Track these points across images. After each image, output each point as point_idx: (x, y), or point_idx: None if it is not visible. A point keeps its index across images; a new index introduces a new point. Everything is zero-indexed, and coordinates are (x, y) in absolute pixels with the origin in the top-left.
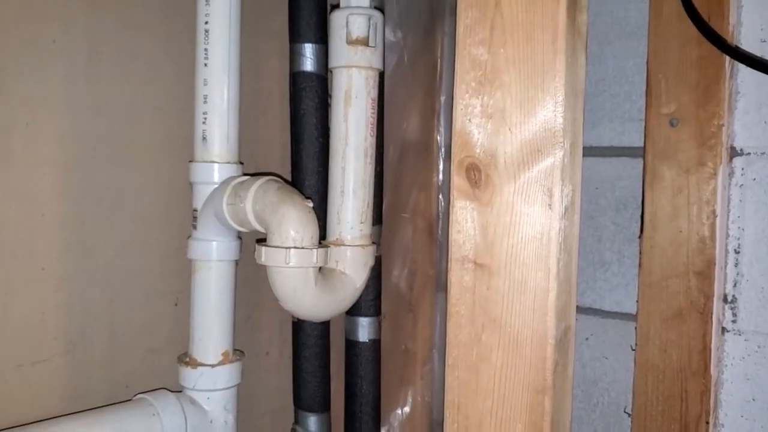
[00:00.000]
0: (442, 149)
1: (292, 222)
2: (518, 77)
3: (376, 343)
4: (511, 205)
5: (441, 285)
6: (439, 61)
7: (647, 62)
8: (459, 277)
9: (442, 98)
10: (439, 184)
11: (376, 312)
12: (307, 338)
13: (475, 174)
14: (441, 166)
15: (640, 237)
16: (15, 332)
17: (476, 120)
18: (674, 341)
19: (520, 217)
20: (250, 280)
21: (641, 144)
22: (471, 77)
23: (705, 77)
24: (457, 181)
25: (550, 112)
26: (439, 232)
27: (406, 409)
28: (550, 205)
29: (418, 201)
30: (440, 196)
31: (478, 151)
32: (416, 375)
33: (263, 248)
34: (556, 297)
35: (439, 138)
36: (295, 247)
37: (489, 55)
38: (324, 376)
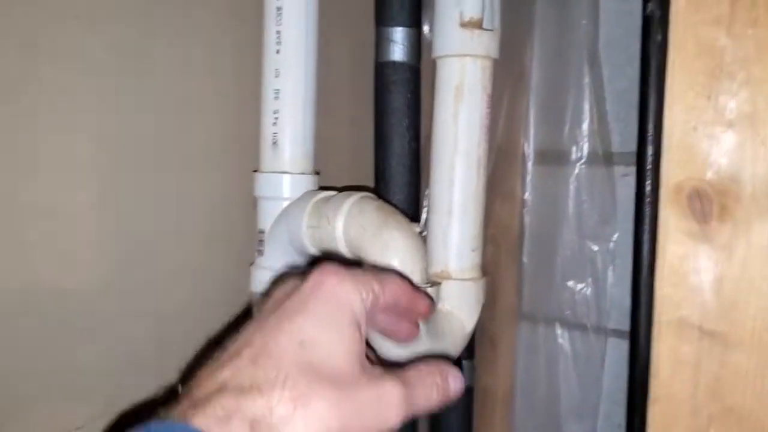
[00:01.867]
0: (530, 156)
1: (398, 252)
2: None
3: (470, 393)
4: (764, 251)
5: (523, 314)
6: (528, 54)
7: None
8: (673, 346)
9: (531, 98)
10: (525, 196)
11: (470, 353)
12: None
13: (704, 204)
14: (528, 177)
15: None
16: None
17: (706, 129)
18: None
19: None
20: None
21: None
22: (698, 69)
23: None
24: (673, 212)
25: None
26: (524, 252)
27: None
28: None
29: (501, 216)
30: (525, 210)
31: (709, 172)
32: (496, 417)
33: None
34: None
35: (526, 144)
36: None
37: (729, 38)
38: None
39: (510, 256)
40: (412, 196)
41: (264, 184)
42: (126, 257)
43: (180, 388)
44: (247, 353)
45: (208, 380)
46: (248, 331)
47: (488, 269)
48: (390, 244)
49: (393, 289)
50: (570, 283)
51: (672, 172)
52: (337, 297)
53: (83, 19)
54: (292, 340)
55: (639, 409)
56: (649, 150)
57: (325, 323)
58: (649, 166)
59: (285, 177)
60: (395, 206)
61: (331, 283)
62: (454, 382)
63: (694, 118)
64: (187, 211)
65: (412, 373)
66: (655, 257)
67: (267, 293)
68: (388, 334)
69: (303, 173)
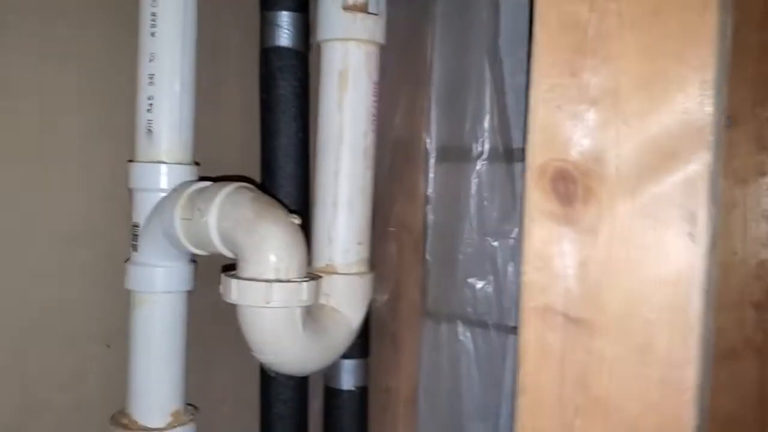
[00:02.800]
0: (432, 152)
1: (274, 245)
2: (640, 45)
3: (362, 392)
4: (628, 233)
5: (427, 311)
6: (429, 43)
7: None
8: (538, 335)
9: (432, 92)
10: (427, 193)
11: (364, 352)
12: (281, 390)
13: (568, 186)
14: (431, 173)
15: None
16: None
17: (570, 107)
18: (724, 386)
19: (643, 252)
20: (198, 307)
21: None
22: (562, 45)
23: (766, 68)
24: (537, 196)
25: (694, 96)
26: (427, 249)
27: None
28: (691, 234)
29: (404, 213)
30: (428, 207)
31: (573, 152)
32: (398, 418)
33: (234, 281)
34: (699, 369)
35: (428, 139)
36: (279, 280)
37: (592, 12)
38: None
39: (413, 253)
40: (300, 188)
41: (138, 175)
42: None
43: None
44: None
45: None
46: None
47: (391, 267)
48: (265, 237)
49: None
50: (471, 281)
51: (536, 153)
52: None
53: None
54: None
55: None
56: None
57: None
58: None
59: (161, 167)
60: (278, 199)
61: None
62: None
63: (558, 97)
64: (57, 204)
65: None
66: None
67: None
68: None
69: (180, 163)
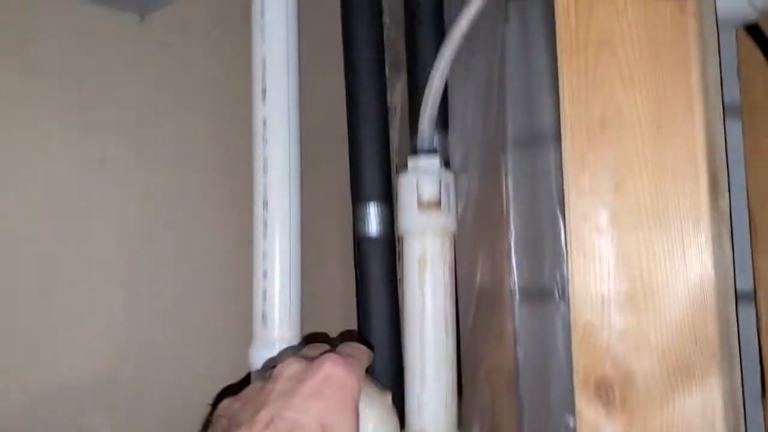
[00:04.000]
0: (516, 294)
1: (369, 427)
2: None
3: None
4: None
5: None
6: (504, 196)
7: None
8: None
9: (512, 237)
10: (515, 333)
11: None
12: None
13: (609, 394)
14: (516, 314)
15: (762, 397)
16: None
17: (601, 324)
18: None
19: None
20: None
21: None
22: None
23: None
24: (585, 399)
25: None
26: (519, 387)
27: None
28: None
29: (493, 355)
30: (517, 347)
31: (608, 364)
32: None
33: None
34: None
35: (511, 282)
36: None
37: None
38: None
39: (507, 393)
40: (391, 358)
41: (257, 359)
42: None
43: None
44: (283, 426)
45: None
46: (276, 404)
47: (486, 409)
48: (362, 417)
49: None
50: (568, 416)
51: (580, 361)
52: (346, 388)
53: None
54: (317, 422)
55: None
56: None
57: (338, 410)
58: None
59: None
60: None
61: (340, 376)
62: None
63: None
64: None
65: None
66: None
67: (270, 369)
68: None
69: (290, 344)
